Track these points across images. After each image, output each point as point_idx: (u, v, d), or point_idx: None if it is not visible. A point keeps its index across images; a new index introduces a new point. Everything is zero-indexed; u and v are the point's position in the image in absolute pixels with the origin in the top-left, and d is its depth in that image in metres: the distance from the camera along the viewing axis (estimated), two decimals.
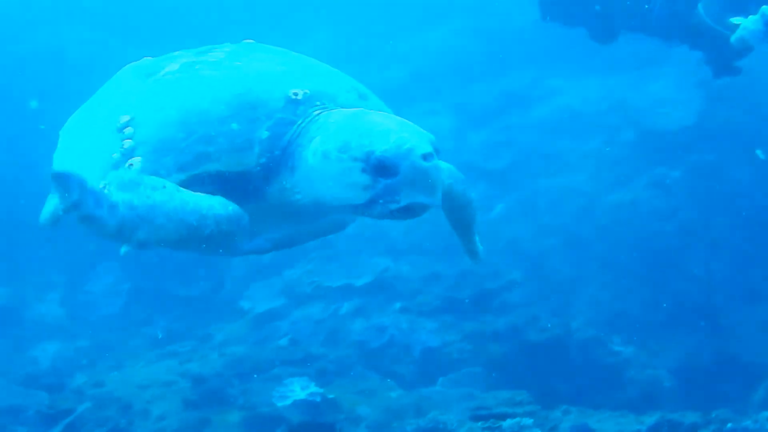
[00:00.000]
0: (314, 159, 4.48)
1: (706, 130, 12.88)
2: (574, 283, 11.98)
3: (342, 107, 4.82)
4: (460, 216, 5.65)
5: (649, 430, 6.94)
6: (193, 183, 4.58)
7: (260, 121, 4.67)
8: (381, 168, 4.26)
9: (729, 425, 6.67)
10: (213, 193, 4.57)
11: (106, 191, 4.40)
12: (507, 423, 6.83)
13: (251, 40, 5.44)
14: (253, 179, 4.66)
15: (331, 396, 9.37)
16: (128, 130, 4.75)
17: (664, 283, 11.69)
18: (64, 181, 4.08)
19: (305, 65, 5.19)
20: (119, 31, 16.62)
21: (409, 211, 4.33)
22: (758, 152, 12.24)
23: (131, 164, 4.62)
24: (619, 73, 14.62)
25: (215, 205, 4.45)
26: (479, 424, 7.10)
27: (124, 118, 4.82)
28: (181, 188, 4.47)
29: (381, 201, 4.32)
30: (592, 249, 12.26)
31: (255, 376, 10.01)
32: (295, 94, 4.75)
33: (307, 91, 4.78)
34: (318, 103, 4.77)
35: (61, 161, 5.18)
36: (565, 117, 14.12)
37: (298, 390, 9.38)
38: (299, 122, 4.68)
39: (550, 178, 13.18)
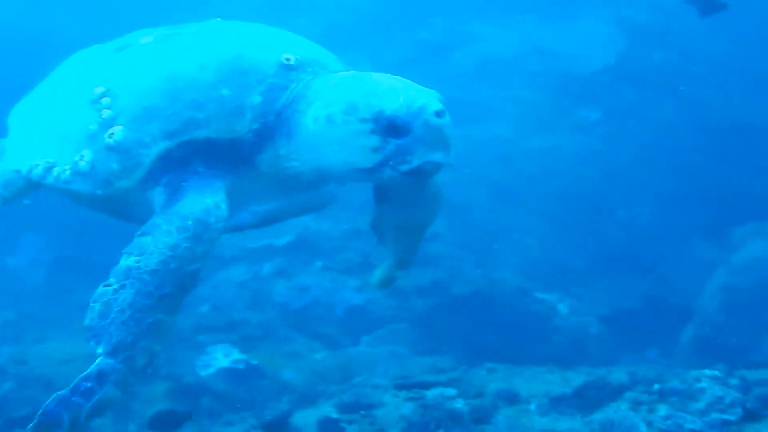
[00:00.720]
0: (316, 124, 4.32)
1: (627, 70, 12.83)
2: (499, 232, 11.87)
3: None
4: (419, 213, 5.30)
5: (576, 393, 6.79)
6: (180, 151, 4.45)
7: (252, 87, 4.49)
8: (392, 128, 4.11)
9: (656, 386, 6.57)
10: (201, 162, 4.46)
11: (81, 163, 4.44)
12: (431, 393, 6.67)
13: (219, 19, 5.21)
14: (244, 146, 4.49)
15: (255, 362, 9.17)
16: (105, 100, 4.57)
17: (589, 228, 11.66)
18: None
19: (287, 35, 4.97)
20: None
21: (421, 172, 4.18)
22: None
23: (112, 133, 4.47)
24: (539, 13, 14.47)
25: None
26: (402, 393, 6.93)
27: (99, 89, 4.64)
28: None
29: (391, 163, 4.16)
30: (515, 197, 12.16)
31: (178, 345, 9.79)
32: (288, 59, 4.58)
33: (299, 57, 4.62)
34: (310, 69, 4.60)
35: (18, 146, 5.03)
36: (484, 63, 13.95)
37: (221, 357, 9.18)
38: (293, 87, 4.51)
39: (471, 126, 12.96)
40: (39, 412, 4.22)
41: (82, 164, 4.54)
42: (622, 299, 11.25)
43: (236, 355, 9.26)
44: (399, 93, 4.14)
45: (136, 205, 4.62)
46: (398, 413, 6.46)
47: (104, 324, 4.21)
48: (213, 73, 4.51)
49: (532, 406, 6.81)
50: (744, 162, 12.36)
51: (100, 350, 4.20)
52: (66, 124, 4.72)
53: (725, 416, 6.12)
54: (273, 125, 4.47)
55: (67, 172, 4.59)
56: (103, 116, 4.53)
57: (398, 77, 4.35)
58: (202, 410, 8.74)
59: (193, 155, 4.47)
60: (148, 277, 4.25)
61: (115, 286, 4.27)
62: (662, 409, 6.24)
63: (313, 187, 4.70)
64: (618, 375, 7.31)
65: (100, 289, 4.31)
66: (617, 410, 6.30)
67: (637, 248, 11.69)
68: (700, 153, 12.42)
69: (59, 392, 4.31)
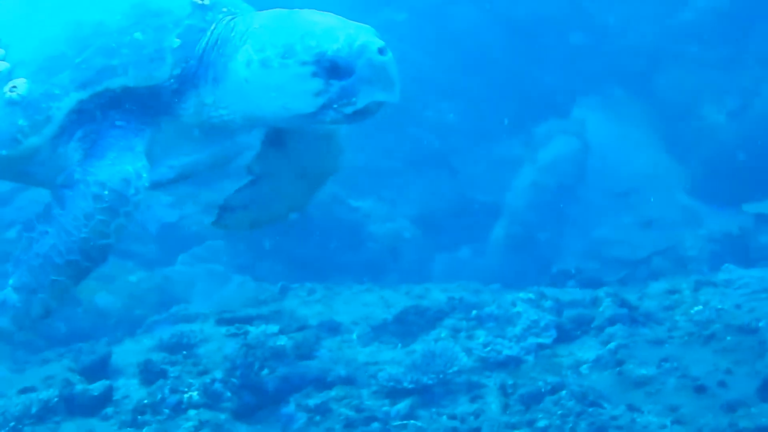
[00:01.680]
0: (249, 69, 4.04)
1: None
2: None
3: (247, 12, 4.34)
4: (322, 162, 4.94)
5: (396, 319, 6.92)
6: (94, 102, 4.11)
7: (167, 29, 4.17)
8: (334, 69, 3.88)
9: (474, 312, 6.75)
10: (118, 114, 4.14)
11: None
12: (253, 331, 6.68)
13: None
14: (164, 95, 4.18)
15: None
16: None
17: (399, 131, 11.70)
18: None
19: None
20: None
21: (366, 112, 3.96)
22: None
23: (14, 86, 4.10)
24: None
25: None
26: (224, 329, 6.93)
27: None
28: None
29: (335, 105, 3.94)
30: None
31: None
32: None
33: None
34: (224, 9, 4.30)
35: None
36: None
37: None
38: (211, 29, 4.21)
39: None
40: None
41: None
42: (433, 200, 11.44)
43: None
44: (337, 32, 3.93)
45: (46, 165, 4.26)
46: (222, 354, 6.44)
47: (21, 260, 4.03)
48: (121, 16, 4.18)
49: (354, 336, 6.92)
50: (545, 57, 12.60)
51: (10, 282, 4.03)
52: None
53: (540, 339, 6.35)
54: (195, 71, 4.19)
55: None
56: None
57: (328, 13, 4.14)
58: (15, 344, 8.53)
59: (109, 106, 4.16)
60: (64, 236, 3.98)
61: (40, 230, 4.06)
62: (481, 336, 6.43)
63: (233, 136, 4.46)
64: (436, 295, 7.49)
65: (33, 224, 4.10)
66: (438, 339, 6.45)
67: (445, 148, 11.85)
68: (504, 50, 12.57)
69: None
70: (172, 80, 4.16)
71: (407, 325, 6.88)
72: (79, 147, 4.17)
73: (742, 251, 9.62)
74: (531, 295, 6.81)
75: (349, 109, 3.94)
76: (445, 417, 5.76)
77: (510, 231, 11.28)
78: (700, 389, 5.60)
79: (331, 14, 4.11)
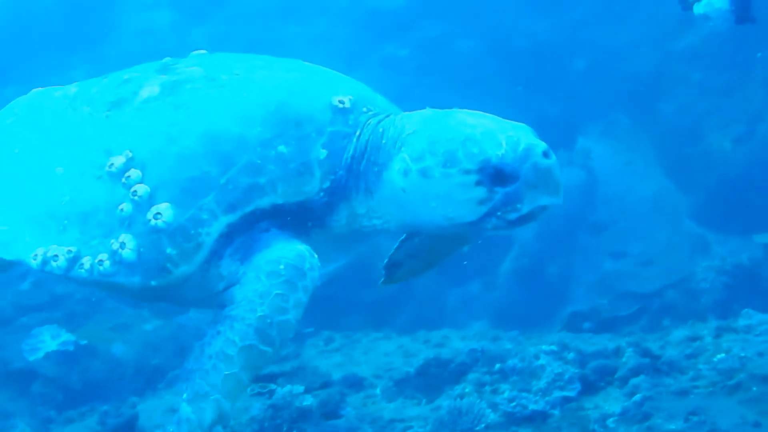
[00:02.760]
0: (407, 179, 3.92)
1: (430, 5, 12.82)
2: None
3: (386, 111, 4.23)
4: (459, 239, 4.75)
5: (418, 372, 6.92)
6: (243, 221, 3.98)
7: (312, 139, 4.05)
8: (500, 176, 3.77)
9: (497, 366, 6.73)
10: (269, 224, 3.99)
11: (125, 252, 3.89)
12: (279, 391, 6.67)
13: (203, 51, 4.68)
14: (314, 208, 4.08)
15: (84, 342, 8.99)
16: (134, 174, 3.97)
17: None
18: None
19: (309, 68, 4.52)
20: None
21: (529, 217, 3.87)
22: None
23: (158, 213, 3.91)
24: None
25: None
26: (248, 389, 6.91)
27: (119, 159, 4.01)
28: None
29: (499, 213, 3.83)
30: None
31: (1, 328, 9.48)
32: (342, 102, 4.15)
33: (351, 98, 4.19)
34: (364, 109, 4.21)
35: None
36: (288, 1, 13.65)
37: (49, 340, 8.97)
38: (357, 134, 4.12)
39: None
40: None
41: (127, 253, 3.92)
42: None
43: (64, 335, 9.05)
44: (498, 135, 3.82)
45: (196, 286, 4.08)
46: (249, 415, 6.44)
47: (194, 369, 3.88)
48: (261, 128, 4.03)
49: (378, 390, 6.92)
50: (548, 86, 12.66)
51: (183, 396, 3.87)
52: (73, 202, 4.07)
53: (565, 393, 6.34)
54: (345, 181, 4.07)
55: (106, 264, 3.96)
56: (137, 193, 3.94)
57: (480, 113, 4.03)
58: (34, 398, 8.55)
59: (259, 220, 4.01)
60: (238, 324, 3.78)
61: (211, 333, 3.89)
62: (506, 390, 6.41)
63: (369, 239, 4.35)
64: (455, 344, 7.50)
65: (204, 332, 3.95)
66: (462, 395, 6.44)
67: None
68: (506, 80, 12.64)
69: None
70: (321, 193, 4.05)
71: (430, 378, 6.87)
72: (231, 261, 4.02)
73: (753, 283, 9.64)
74: (554, 347, 6.79)
75: (513, 216, 3.84)
76: None
77: (519, 264, 11.31)
78: None
79: (483, 114, 4.00)
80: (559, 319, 9.58)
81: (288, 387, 6.67)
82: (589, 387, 6.47)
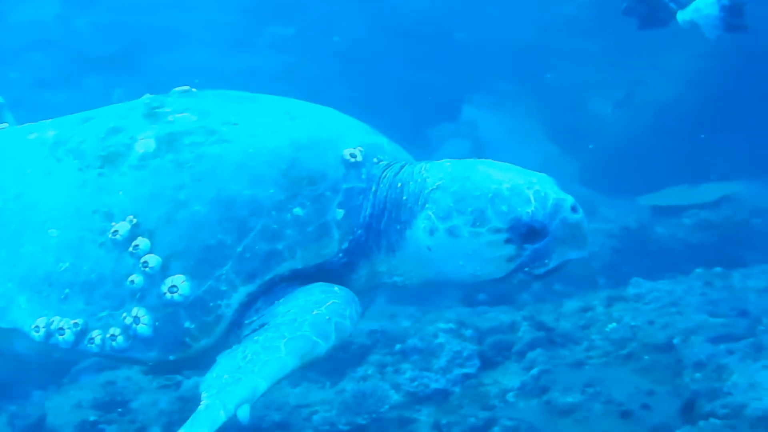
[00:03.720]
0: (433, 238, 3.80)
1: None
2: None
3: (396, 159, 4.10)
4: None
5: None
6: (262, 289, 3.79)
7: (327, 199, 3.86)
8: (530, 234, 3.71)
9: (398, 346, 6.84)
10: (288, 286, 3.78)
11: (140, 327, 3.65)
12: (185, 384, 6.70)
13: (187, 87, 4.42)
14: (333, 269, 3.90)
15: None
16: (142, 242, 3.74)
17: None
18: None
19: (306, 112, 4.24)
20: None
21: (555, 270, 3.82)
22: None
23: (174, 286, 3.70)
24: None
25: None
26: (154, 381, 6.91)
27: (123, 226, 3.77)
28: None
29: (526, 269, 3.78)
30: None
31: None
32: (353, 156, 3.97)
33: (362, 149, 4.01)
34: (375, 159, 4.03)
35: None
36: None
37: None
38: (373, 190, 3.96)
39: (169, 53, 12.72)
40: None
41: (142, 328, 3.72)
42: None
43: None
44: (525, 191, 3.74)
45: (211, 354, 3.76)
46: (157, 408, 6.44)
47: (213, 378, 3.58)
48: (274, 189, 3.82)
49: None
50: (433, 60, 12.78)
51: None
52: (74, 269, 3.83)
53: (465, 370, 6.48)
54: (364, 240, 3.94)
55: (120, 339, 3.75)
56: (149, 264, 3.72)
57: (501, 163, 3.94)
58: None
59: (276, 284, 3.82)
60: (285, 326, 3.59)
61: (245, 342, 3.67)
62: (407, 370, 6.53)
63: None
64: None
65: None
66: (365, 377, 6.55)
67: None
68: (392, 57, 12.72)
69: None
70: (340, 254, 3.89)
71: (333, 362, 6.92)
72: (248, 326, 3.81)
73: (641, 246, 9.89)
74: (451, 325, 6.92)
75: (540, 271, 3.80)
76: None
77: None
78: (626, 414, 5.75)
79: (506, 165, 3.94)
80: (453, 291, 9.70)
81: (194, 378, 6.70)
82: (488, 363, 6.63)
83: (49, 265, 3.87)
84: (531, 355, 6.54)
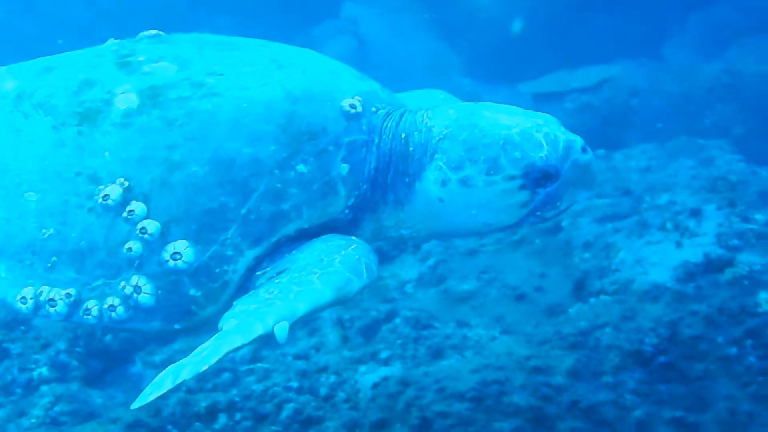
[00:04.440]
0: (445, 189, 3.66)
1: None
2: None
3: (393, 106, 3.90)
4: None
5: None
6: (269, 250, 3.56)
7: (330, 154, 3.65)
8: (544, 178, 3.61)
9: None
10: (293, 245, 3.56)
11: (142, 296, 3.43)
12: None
13: (156, 31, 4.09)
14: (339, 226, 3.71)
15: None
16: (138, 207, 3.48)
17: None
18: None
19: (293, 57, 3.93)
20: None
21: (564, 211, 3.76)
22: None
23: (176, 253, 3.48)
24: None
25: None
26: None
27: (115, 189, 3.50)
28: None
29: (538, 212, 3.69)
30: None
31: None
32: (353, 107, 3.74)
33: (360, 98, 3.77)
34: (373, 108, 3.81)
35: None
36: None
37: None
38: (376, 141, 3.77)
39: None
40: None
41: (144, 297, 3.49)
42: None
43: None
44: (535, 135, 3.62)
45: (215, 320, 3.52)
46: (60, 324, 6.45)
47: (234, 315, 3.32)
48: (274, 146, 3.59)
49: None
50: None
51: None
52: (59, 236, 3.55)
53: None
54: (370, 194, 3.77)
55: (120, 310, 3.50)
56: (147, 231, 3.47)
57: (505, 106, 3.80)
58: None
59: (282, 244, 3.61)
60: (313, 265, 3.41)
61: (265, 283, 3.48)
62: None
63: None
64: None
65: None
66: None
67: None
68: None
69: None
70: (347, 210, 3.71)
71: None
72: (266, 274, 3.58)
73: None
74: None
75: (550, 213, 3.74)
76: (290, 357, 5.91)
77: None
78: (520, 297, 5.96)
79: (508, 106, 3.82)
80: None
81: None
82: (385, 257, 6.70)
83: (30, 231, 3.60)
84: (426, 246, 6.65)
